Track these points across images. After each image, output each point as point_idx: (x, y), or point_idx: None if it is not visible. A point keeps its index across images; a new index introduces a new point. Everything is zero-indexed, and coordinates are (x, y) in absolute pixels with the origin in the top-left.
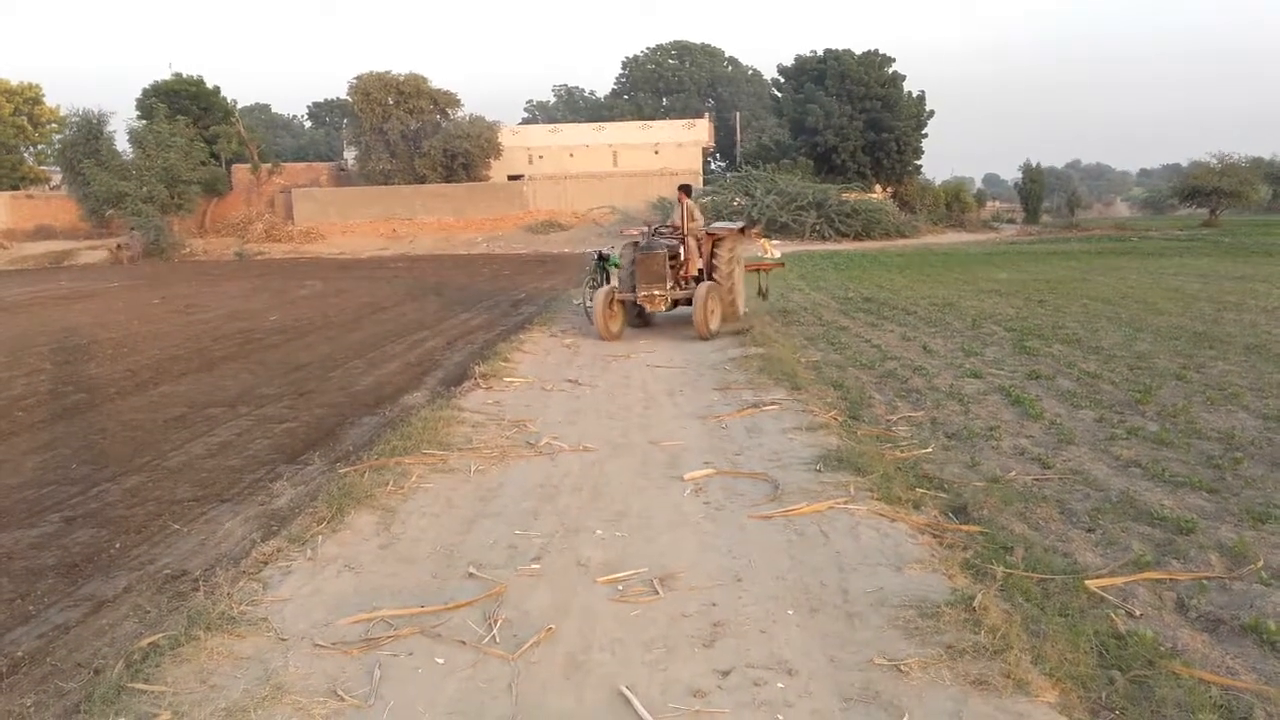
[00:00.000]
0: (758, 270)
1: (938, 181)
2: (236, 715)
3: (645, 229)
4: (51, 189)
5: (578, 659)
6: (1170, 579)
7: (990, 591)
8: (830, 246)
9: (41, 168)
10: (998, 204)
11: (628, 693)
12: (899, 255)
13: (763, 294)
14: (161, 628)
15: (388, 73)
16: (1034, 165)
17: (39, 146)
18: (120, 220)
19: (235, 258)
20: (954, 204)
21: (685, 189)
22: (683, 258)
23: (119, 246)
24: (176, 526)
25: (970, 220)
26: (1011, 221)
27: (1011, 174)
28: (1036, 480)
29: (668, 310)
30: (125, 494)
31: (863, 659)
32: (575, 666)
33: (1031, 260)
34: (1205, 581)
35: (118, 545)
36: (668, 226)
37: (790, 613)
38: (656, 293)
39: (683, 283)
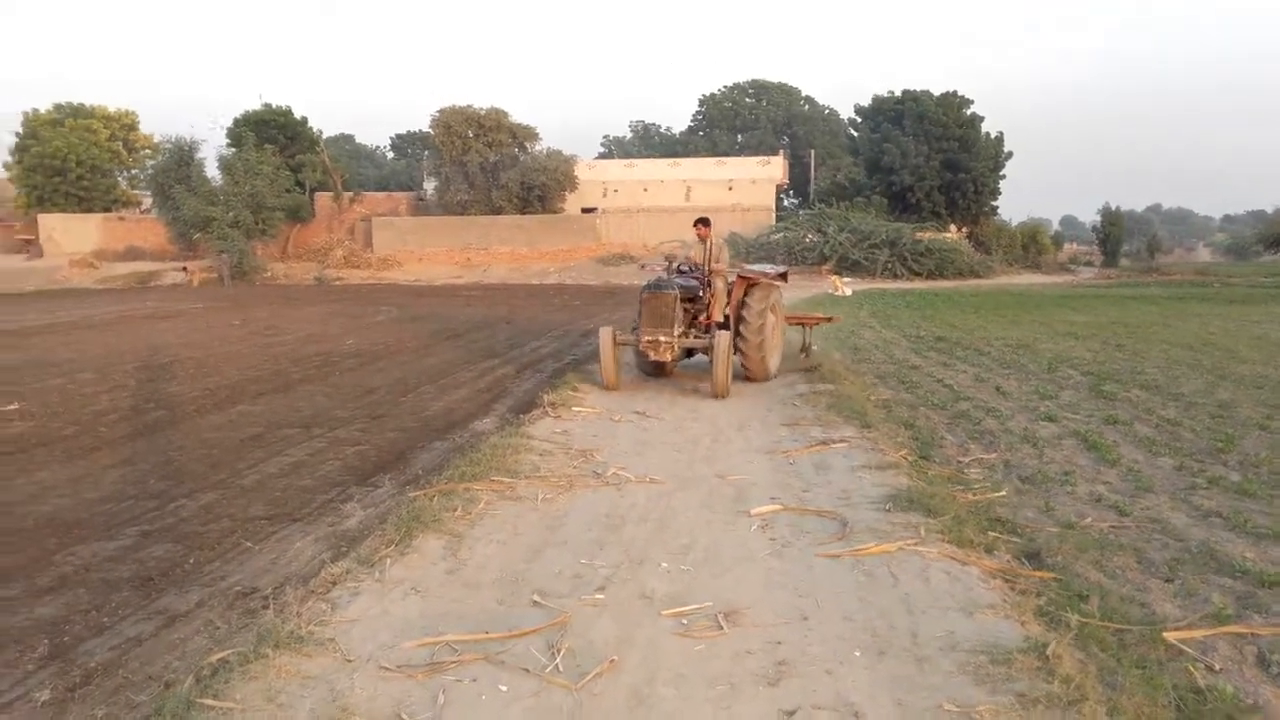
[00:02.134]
0: (801, 324)
1: (1015, 223)
2: None
3: (667, 263)
4: (142, 212)
5: (641, 692)
6: (1251, 633)
7: (1064, 640)
8: (903, 285)
9: (134, 191)
10: (1075, 247)
11: None
12: (973, 295)
13: (805, 351)
14: (231, 644)
15: (469, 106)
16: (1113, 208)
17: (132, 171)
18: (206, 243)
19: (315, 282)
20: (1030, 245)
21: (705, 222)
22: (704, 300)
23: (185, 269)
24: (249, 544)
25: (1047, 262)
26: (1089, 264)
27: (1090, 216)
28: (1113, 528)
29: (675, 360)
30: (200, 510)
31: (932, 704)
32: (638, 700)
33: (1109, 304)
34: None
35: (191, 561)
36: (693, 265)
37: (857, 654)
38: (662, 339)
39: (698, 329)
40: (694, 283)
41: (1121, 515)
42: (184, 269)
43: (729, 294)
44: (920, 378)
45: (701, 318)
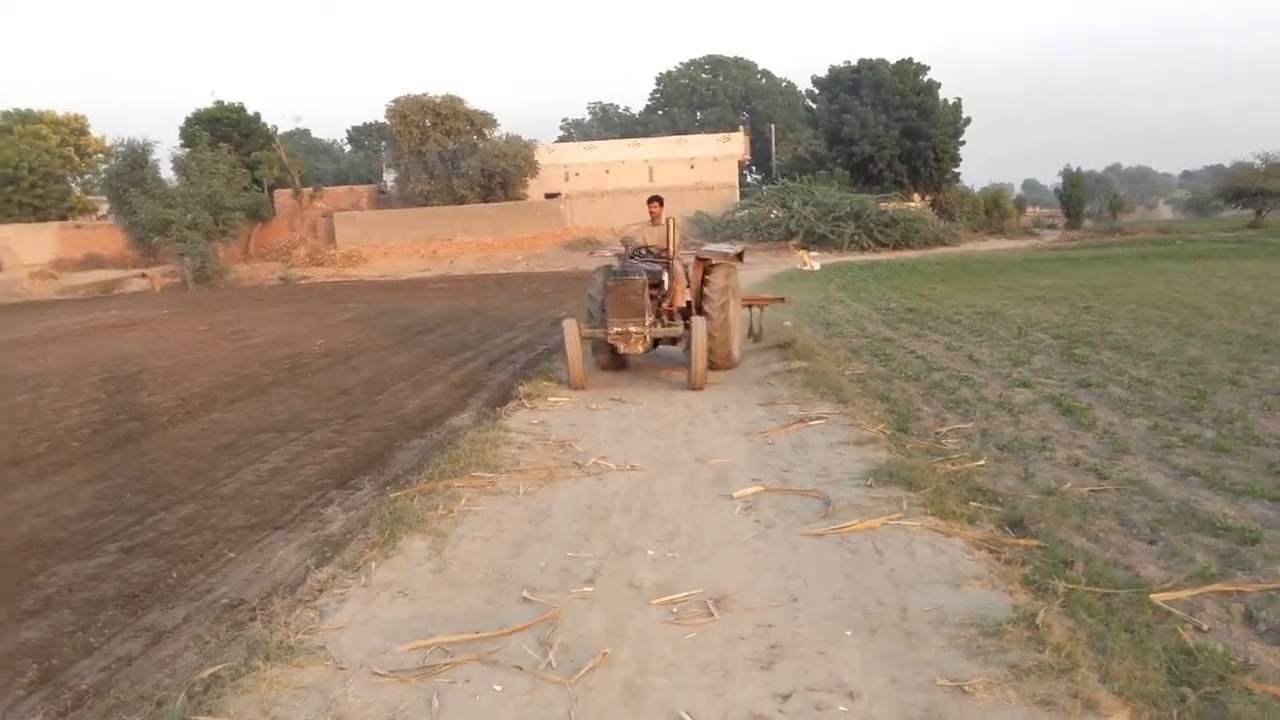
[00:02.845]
0: (750, 306)
1: (976, 188)
2: None
3: (622, 249)
4: (99, 218)
5: (635, 684)
6: (1237, 590)
7: (1053, 608)
8: (869, 257)
9: (89, 198)
10: (1038, 210)
11: (687, 718)
12: (939, 264)
13: (754, 335)
14: (221, 658)
15: (424, 95)
16: (1074, 170)
17: (86, 177)
18: (166, 247)
19: (279, 282)
20: (994, 211)
21: (659, 200)
22: (667, 286)
23: (144, 275)
24: (232, 555)
25: (1011, 227)
26: (1053, 227)
27: (1051, 179)
28: (1093, 491)
29: (645, 352)
30: (180, 523)
31: (925, 680)
32: (633, 692)
33: (1075, 266)
34: (1274, 593)
35: (175, 575)
36: (645, 249)
37: (848, 633)
38: (633, 329)
39: (665, 318)
40: (656, 267)
41: (1101, 478)
42: (143, 275)
43: (688, 277)
44: (893, 350)
45: (665, 304)
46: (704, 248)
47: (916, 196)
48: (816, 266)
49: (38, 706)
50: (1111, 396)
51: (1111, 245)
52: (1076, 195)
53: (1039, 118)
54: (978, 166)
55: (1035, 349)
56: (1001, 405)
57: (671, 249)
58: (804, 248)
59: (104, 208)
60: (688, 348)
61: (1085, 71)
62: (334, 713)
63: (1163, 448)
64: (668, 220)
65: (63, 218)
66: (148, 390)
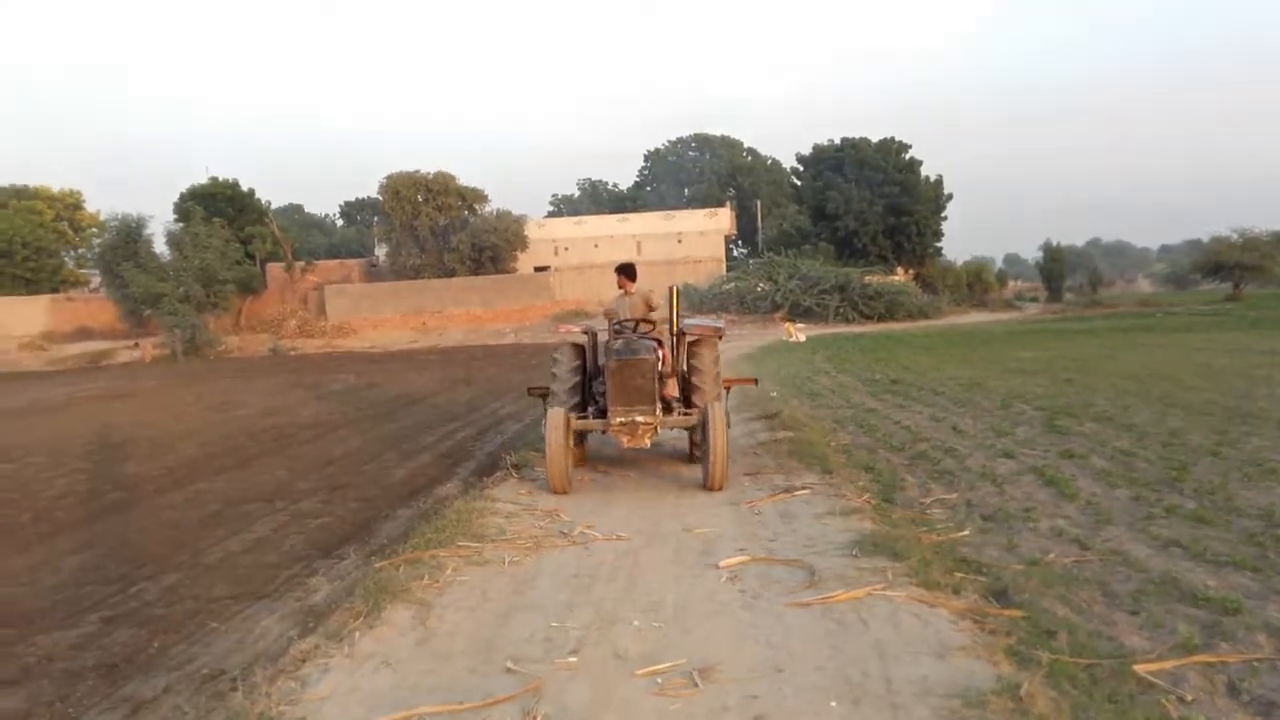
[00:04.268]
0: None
1: (959, 262)
2: None
3: (605, 323)
4: (90, 291)
5: None
6: (1220, 661)
7: (1037, 678)
8: (855, 329)
9: (81, 271)
10: (1020, 283)
11: None
12: (923, 336)
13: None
14: None
15: (417, 171)
16: (1054, 244)
17: (79, 250)
18: (157, 320)
19: (269, 353)
20: (976, 284)
21: (627, 271)
22: (661, 368)
23: (135, 345)
24: (214, 625)
25: (993, 300)
26: (1034, 300)
27: (1032, 253)
28: (1076, 562)
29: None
30: (164, 592)
31: None
32: None
33: (1056, 338)
34: (1256, 664)
35: (156, 645)
36: (623, 322)
37: (833, 704)
38: (640, 419)
39: (661, 404)
40: (651, 343)
41: (1084, 549)
42: (135, 345)
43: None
44: (878, 420)
45: (663, 389)
46: (685, 322)
47: (900, 270)
48: (803, 338)
49: None
50: (1094, 467)
51: (1093, 318)
52: (1057, 269)
53: (1019, 194)
54: (960, 240)
55: (1019, 420)
56: (985, 476)
57: (674, 323)
58: (790, 319)
59: (96, 280)
60: (699, 437)
61: (1064, 148)
62: None
63: (1145, 518)
64: (671, 289)
65: (54, 290)
66: (134, 460)
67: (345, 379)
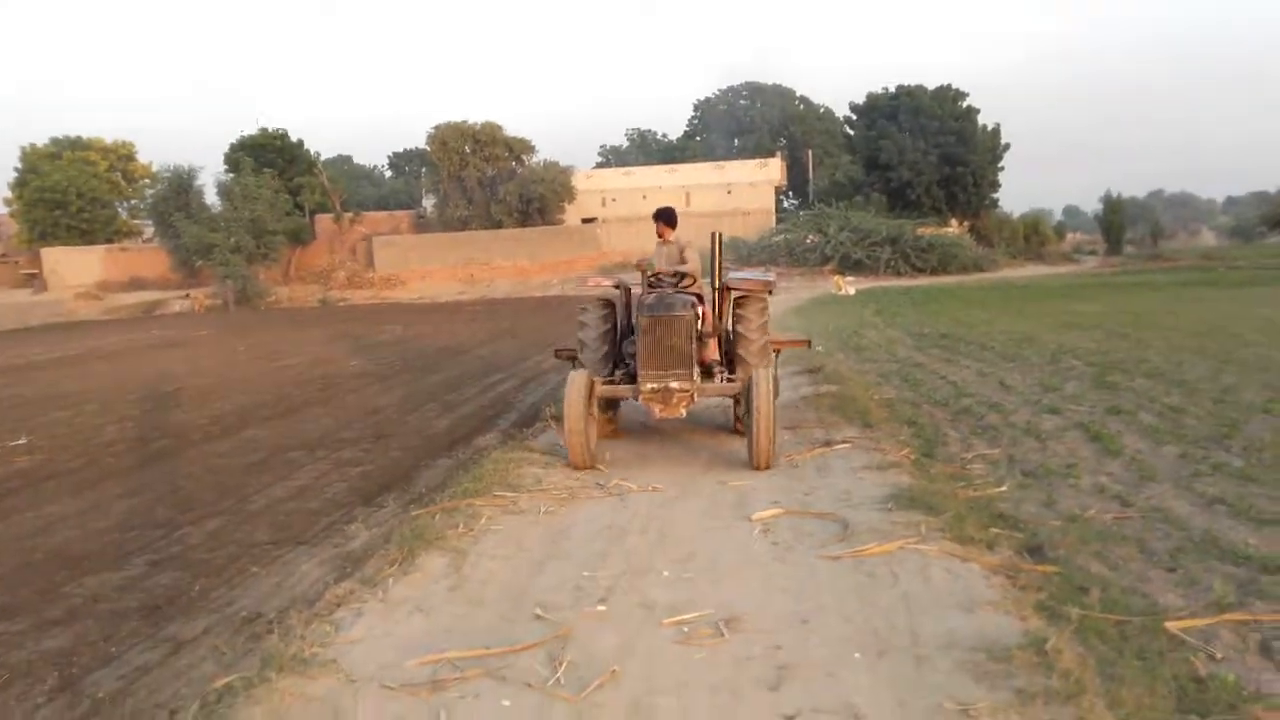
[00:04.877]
0: (777, 350)
1: (1016, 214)
2: None
3: (638, 276)
4: (144, 242)
5: (641, 702)
6: (1254, 620)
7: (1064, 634)
8: (906, 282)
9: (134, 222)
10: (1078, 236)
11: None
12: (976, 289)
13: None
14: (237, 669)
15: (464, 122)
16: (1115, 195)
17: (132, 201)
18: (209, 270)
19: (319, 305)
20: (1033, 236)
21: (666, 217)
22: (700, 327)
23: (187, 295)
24: (255, 569)
25: (1050, 253)
26: (1093, 253)
27: (1092, 205)
28: (1116, 519)
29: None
30: (207, 537)
31: (931, 703)
32: (638, 710)
33: (1113, 292)
34: None
35: (198, 588)
36: (657, 276)
37: (858, 655)
38: (675, 385)
39: (700, 368)
40: (689, 298)
41: (1125, 505)
42: (187, 296)
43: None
44: (924, 375)
45: (706, 352)
46: (730, 274)
47: (954, 222)
48: (852, 291)
49: (55, 714)
50: (1141, 424)
51: (1152, 272)
52: (1117, 221)
53: (1080, 144)
54: (1017, 192)
55: (1068, 375)
56: (1029, 431)
57: (717, 275)
58: (840, 272)
59: (149, 231)
60: (743, 409)
61: (1128, 97)
62: None
63: (1190, 475)
64: (713, 235)
65: (109, 241)
66: (183, 408)
67: (392, 330)
